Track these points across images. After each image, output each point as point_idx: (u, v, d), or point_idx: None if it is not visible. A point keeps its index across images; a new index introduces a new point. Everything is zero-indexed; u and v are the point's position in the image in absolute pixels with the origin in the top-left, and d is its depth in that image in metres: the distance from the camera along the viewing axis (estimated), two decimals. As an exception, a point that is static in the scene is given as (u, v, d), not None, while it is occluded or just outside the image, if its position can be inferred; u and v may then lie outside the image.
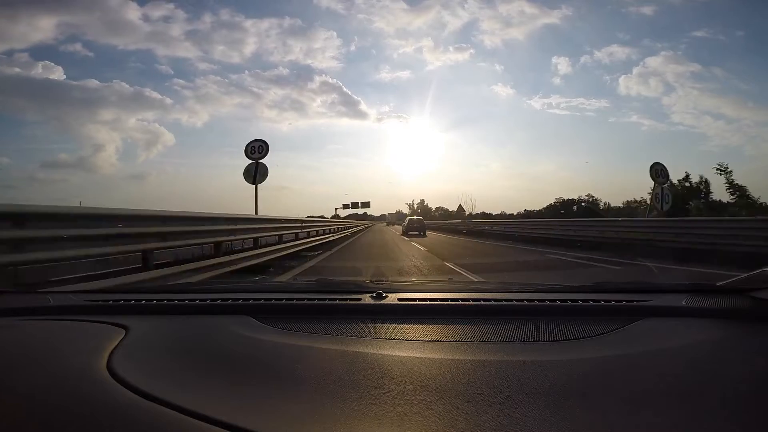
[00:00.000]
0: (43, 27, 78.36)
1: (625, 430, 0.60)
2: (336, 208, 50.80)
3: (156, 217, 4.31)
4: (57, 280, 3.00)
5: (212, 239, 5.42)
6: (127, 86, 77.68)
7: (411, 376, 0.75)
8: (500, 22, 78.87)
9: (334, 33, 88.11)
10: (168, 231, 4.33)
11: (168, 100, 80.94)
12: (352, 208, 53.67)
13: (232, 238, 6.07)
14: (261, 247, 7.13)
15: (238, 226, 6.31)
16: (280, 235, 8.29)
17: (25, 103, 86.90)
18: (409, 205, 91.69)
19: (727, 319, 1.02)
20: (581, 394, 0.68)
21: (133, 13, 70.72)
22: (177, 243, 4.48)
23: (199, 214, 5.28)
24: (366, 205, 56.29)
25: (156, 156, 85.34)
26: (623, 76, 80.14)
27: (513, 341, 0.93)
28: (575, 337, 0.93)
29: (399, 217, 59.27)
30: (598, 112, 76.25)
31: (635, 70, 73.14)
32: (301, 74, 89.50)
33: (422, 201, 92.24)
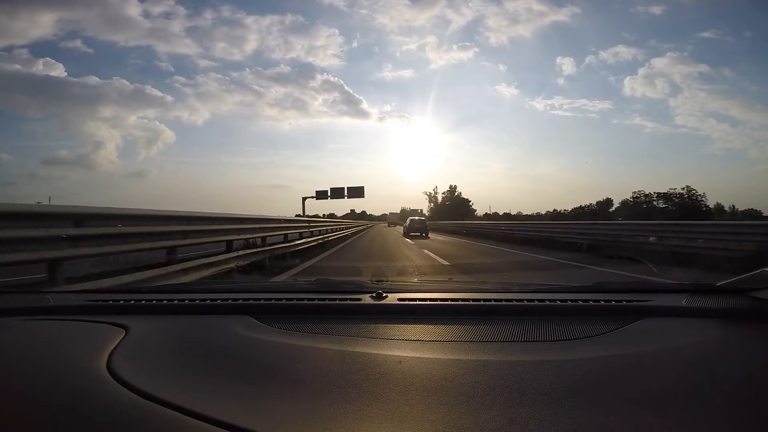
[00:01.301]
0: (43, 23, 78.46)
1: (625, 430, 0.60)
2: (304, 199, 33.06)
3: (66, 216, 3.24)
4: (57, 281, 2.97)
5: (155, 244, 4.20)
6: (127, 83, 77.70)
7: (411, 376, 0.75)
8: (507, 19, 78.10)
9: (336, 30, 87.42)
10: (83, 234, 3.30)
11: (168, 98, 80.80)
12: (334, 197, 34.85)
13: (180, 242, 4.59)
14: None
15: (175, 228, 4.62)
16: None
17: (26, 100, 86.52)
18: (429, 196, 73.90)
19: (727, 319, 1.02)
20: (581, 394, 0.68)
21: (134, 9, 70.86)
22: (93, 251, 3.41)
23: (130, 211, 4.11)
24: (357, 192, 35.30)
25: (156, 154, 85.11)
26: (628, 77, 79.77)
27: (513, 341, 0.93)
28: (575, 337, 0.93)
29: (403, 216, 46.64)
30: (602, 113, 75.83)
31: (641, 71, 72.41)
32: (303, 72, 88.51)
33: (453, 188, 71.57)
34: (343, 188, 35.90)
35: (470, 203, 70.27)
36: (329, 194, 35.25)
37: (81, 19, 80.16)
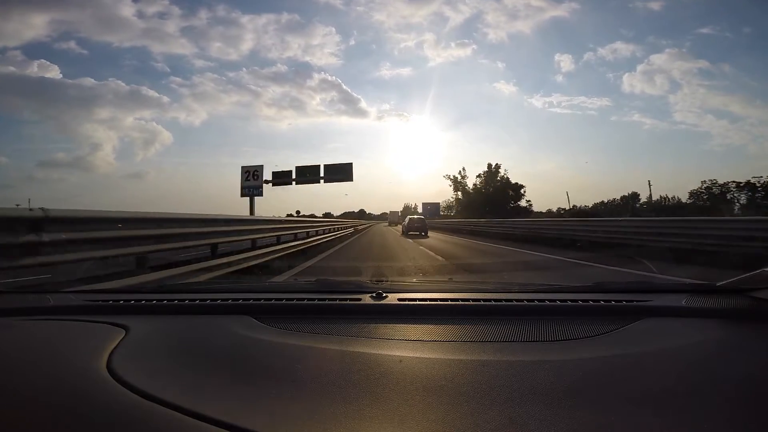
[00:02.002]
0: (36, 24, 77.35)
1: (625, 430, 0.60)
2: (247, 177, 20.35)
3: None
4: (57, 280, 2.93)
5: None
6: (123, 84, 76.19)
7: (411, 376, 0.75)
8: (505, 14, 75.99)
9: (333, 29, 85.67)
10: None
11: (165, 99, 79.52)
12: (303, 181, 22.02)
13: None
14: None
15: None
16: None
17: (22, 102, 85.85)
18: (453, 181, 48.85)
19: (727, 319, 1.02)
20: (581, 394, 0.68)
21: (128, 10, 69.59)
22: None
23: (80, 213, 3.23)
24: (340, 173, 22.32)
25: (154, 155, 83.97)
26: (627, 74, 78.92)
27: (513, 341, 0.93)
28: (575, 337, 0.93)
29: (406, 215, 36.55)
30: (600, 111, 74.87)
31: (639, 68, 70.65)
32: (300, 71, 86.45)
33: (493, 168, 45.67)
34: (318, 167, 21.66)
35: (522, 190, 44.33)
36: (294, 177, 21.65)
37: (74, 20, 78.67)
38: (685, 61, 65.39)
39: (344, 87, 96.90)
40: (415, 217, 23.67)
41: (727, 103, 68.81)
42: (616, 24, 75.27)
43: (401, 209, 64.61)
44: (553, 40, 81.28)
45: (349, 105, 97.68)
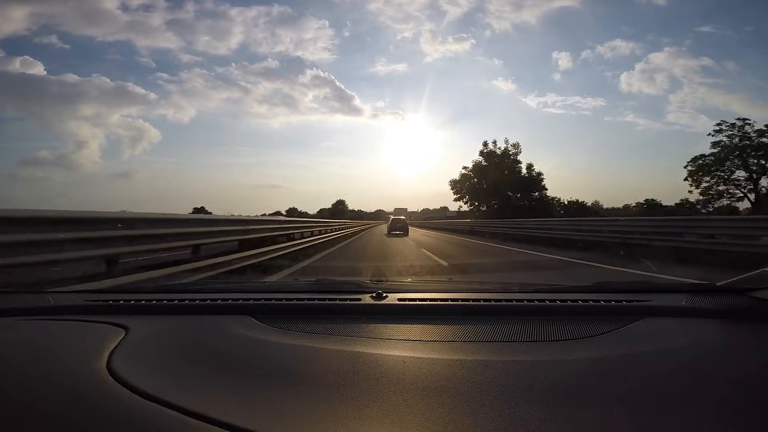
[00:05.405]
0: (15, 17, 73.84)
1: (625, 430, 0.60)
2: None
3: None
4: (57, 280, 2.93)
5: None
6: (107, 80, 74.27)
7: (411, 376, 0.75)
8: (510, 3, 74.15)
9: (326, 21, 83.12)
10: None
11: (152, 95, 77.65)
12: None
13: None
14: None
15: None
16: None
17: (2, 99, 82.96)
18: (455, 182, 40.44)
19: (727, 319, 1.02)
20: (581, 394, 0.69)
21: (111, 2, 67.45)
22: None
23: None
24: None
25: (141, 153, 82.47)
26: (625, 73, 78.49)
27: (513, 341, 0.93)
28: (575, 337, 0.94)
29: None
30: (595, 111, 74.34)
31: (638, 66, 69.68)
32: (292, 67, 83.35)
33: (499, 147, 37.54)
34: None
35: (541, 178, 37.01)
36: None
37: (55, 13, 75.46)
38: (686, 59, 64.96)
39: (338, 84, 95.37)
40: (399, 218, 26.45)
41: (727, 102, 68.18)
42: (617, 21, 74.42)
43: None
44: (553, 37, 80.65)
45: (343, 102, 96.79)
